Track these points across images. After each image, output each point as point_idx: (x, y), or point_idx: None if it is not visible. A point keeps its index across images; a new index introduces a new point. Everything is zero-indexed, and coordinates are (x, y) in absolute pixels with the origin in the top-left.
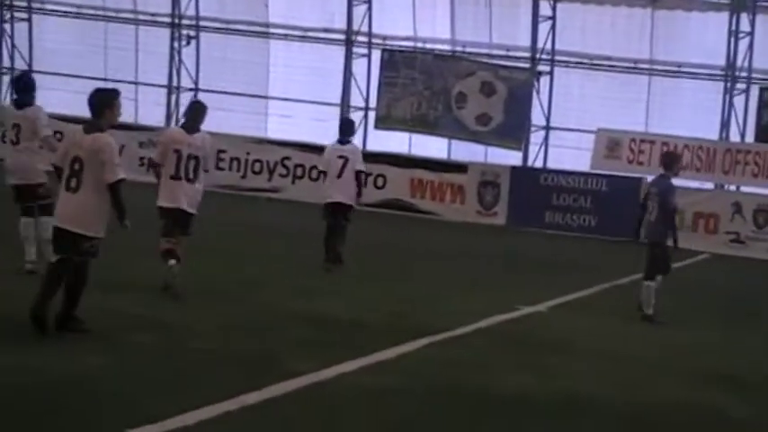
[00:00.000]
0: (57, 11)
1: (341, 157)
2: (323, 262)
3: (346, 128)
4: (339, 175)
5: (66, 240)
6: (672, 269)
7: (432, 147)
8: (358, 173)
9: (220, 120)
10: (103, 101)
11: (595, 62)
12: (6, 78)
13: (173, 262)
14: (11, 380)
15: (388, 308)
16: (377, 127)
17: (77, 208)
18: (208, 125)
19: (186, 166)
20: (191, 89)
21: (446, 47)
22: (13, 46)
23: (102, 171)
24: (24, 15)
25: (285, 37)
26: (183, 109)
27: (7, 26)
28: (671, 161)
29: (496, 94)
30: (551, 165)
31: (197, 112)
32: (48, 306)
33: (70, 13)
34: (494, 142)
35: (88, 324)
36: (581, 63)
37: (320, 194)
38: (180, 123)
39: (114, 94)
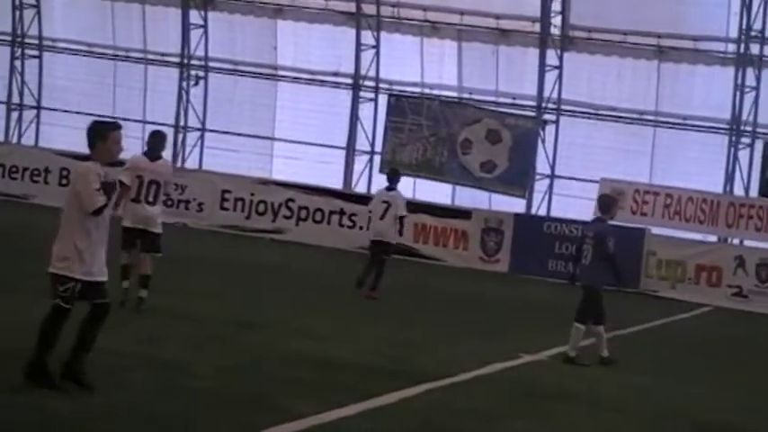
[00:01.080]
0: (67, 49)
1: (385, 202)
2: (355, 288)
3: (393, 176)
4: (382, 218)
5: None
6: (605, 318)
7: (436, 192)
8: (400, 217)
9: (226, 160)
10: (96, 132)
11: (601, 112)
12: (15, 114)
13: (126, 284)
14: (14, 417)
15: (390, 352)
16: (382, 171)
17: (56, 247)
18: (213, 164)
19: (147, 190)
20: (198, 129)
21: (453, 93)
22: (23, 82)
23: (79, 202)
24: (35, 52)
25: (293, 79)
26: (189, 149)
27: (18, 63)
28: (608, 204)
29: (502, 141)
30: (555, 213)
31: (158, 140)
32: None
33: (81, 51)
34: (498, 189)
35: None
36: (587, 113)
37: (324, 236)
38: (143, 151)
39: (111, 126)
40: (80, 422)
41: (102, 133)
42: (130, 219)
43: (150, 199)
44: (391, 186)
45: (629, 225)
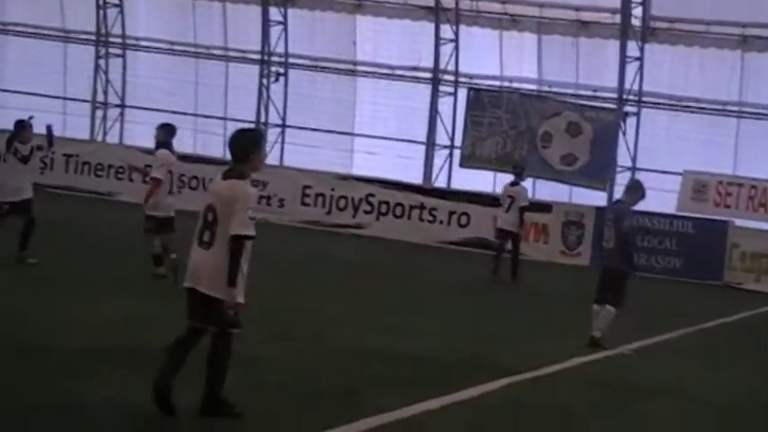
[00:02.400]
0: (150, 47)
1: (510, 196)
2: (491, 274)
3: (518, 172)
4: (507, 210)
5: (201, 306)
6: (625, 301)
7: None
8: (521, 208)
9: (306, 156)
10: (251, 144)
11: (683, 103)
12: (100, 113)
13: (161, 270)
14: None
15: (471, 346)
16: (462, 165)
17: (212, 268)
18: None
19: (172, 181)
20: (278, 125)
21: (532, 86)
22: (108, 81)
23: (230, 224)
24: (119, 51)
25: (372, 75)
26: (270, 145)
27: (102, 62)
28: (631, 188)
29: (582, 134)
30: (636, 206)
31: (172, 133)
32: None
33: (163, 49)
34: (579, 182)
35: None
36: (668, 104)
37: (404, 231)
38: (167, 146)
39: (261, 134)
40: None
41: (258, 144)
42: (165, 209)
43: (173, 189)
44: (515, 181)
45: (712, 217)
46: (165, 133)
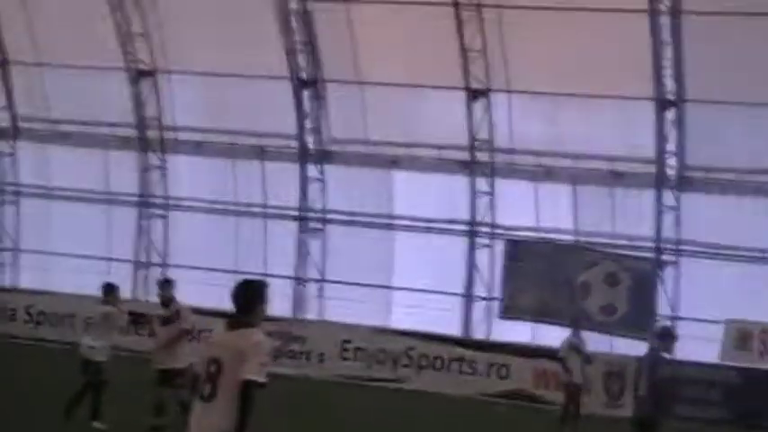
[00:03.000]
0: (192, 207)
1: (575, 348)
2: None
3: (576, 324)
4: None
5: None
6: None
7: (556, 336)
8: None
9: (345, 310)
10: (257, 293)
11: (722, 252)
12: (141, 274)
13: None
14: None
15: None
16: (501, 317)
17: (217, 421)
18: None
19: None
20: (317, 280)
21: (569, 236)
22: (150, 242)
23: (241, 370)
24: (161, 212)
25: (409, 228)
26: (308, 300)
27: (145, 222)
28: (660, 335)
29: (621, 284)
30: (679, 355)
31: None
32: None
33: (203, 208)
34: (619, 333)
35: None
36: (707, 252)
37: (444, 384)
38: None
39: (265, 283)
40: None
41: (263, 294)
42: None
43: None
44: (575, 332)
45: (757, 367)
46: (172, 287)
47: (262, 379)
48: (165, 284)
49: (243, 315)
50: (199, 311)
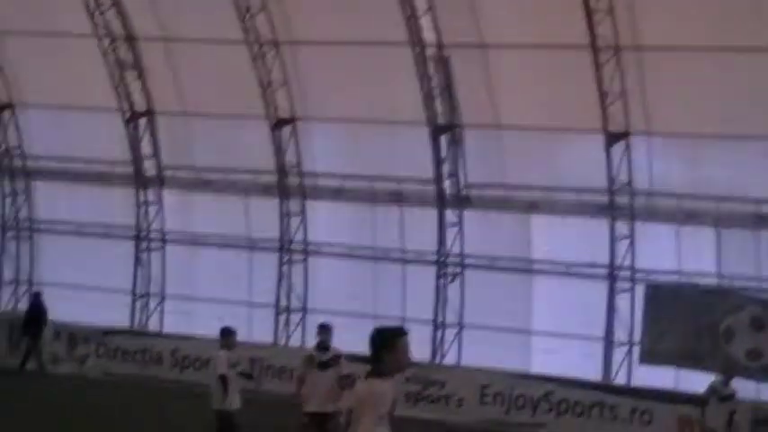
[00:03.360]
0: (331, 252)
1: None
2: None
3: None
4: None
5: None
6: None
7: (700, 382)
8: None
9: (484, 354)
10: (382, 341)
11: None
12: (282, 318)
13: None
14: None
15: None
16: (642, 362)
17: None
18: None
19: None
20: (456, 324)
21: (712, 280)
22: (290, 287)
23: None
24: (301, 257)
25: (548, 272)
26: (447, 344)
27: (285, 268)
28: None
29: (766, 327)
30: None
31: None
32: None
33: (343, 253)
34: (765, 379)
35: None
36: None
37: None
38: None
39: (397, 332)
40: None
41: (389, 342)
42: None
43: None
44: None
45: None
46: (331, 332)
47: None
48: (324, 329)
49: (373, 364)
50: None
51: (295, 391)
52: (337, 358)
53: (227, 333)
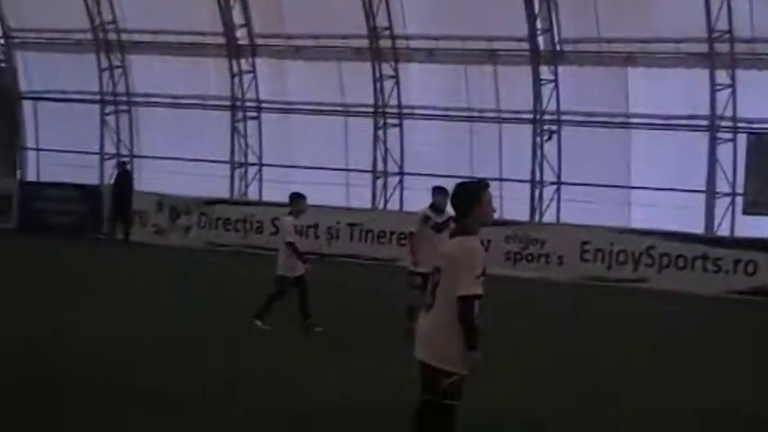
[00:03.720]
0: (425, 114)
1: None
2: None
3: None
4: None
5: (425, 376)
6: None
7: None
8: None
9: (583, 212)
10: (469, 196)
11: None
12: (380, 182)
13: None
14: None
15: None
16: (745, 212)
17: (430, 332)
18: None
19: None
20: (553, 183)
21: None
22: (386, 150)
23: (456, 285)
24: (396, 121)
25: (647, 126)
26: (546, 203)
27: (380, 132)
28: None
29: None
30: None
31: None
32: None
33: (437, 115)
34: None
35: None
36: None
37: (687, 283)
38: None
39: (481, 185)
40: None
41: (478, 195)
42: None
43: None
44: None
45: None
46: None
47: (474, 292)
48: (440, 191)
49: (461, 221)
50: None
51: (409, 248)
52: (449, 221)
53: (295, 198)
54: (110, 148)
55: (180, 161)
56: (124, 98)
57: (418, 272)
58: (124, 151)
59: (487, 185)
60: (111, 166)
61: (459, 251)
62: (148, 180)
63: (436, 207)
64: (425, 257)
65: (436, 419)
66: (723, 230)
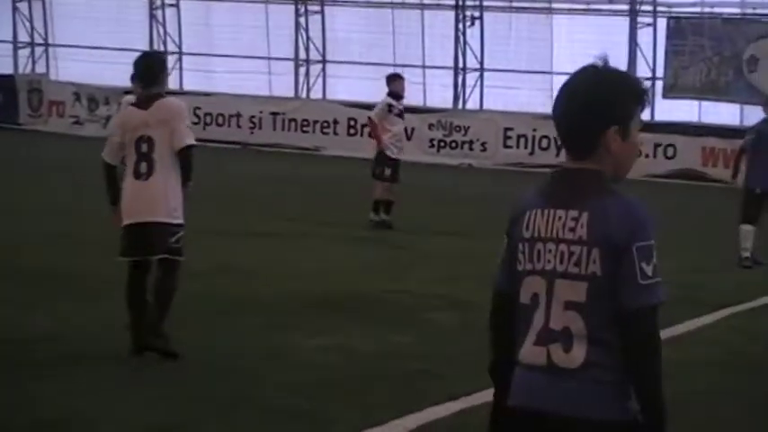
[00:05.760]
0: (347, 1)
1: None
2: None
3: None
4: None
5: (145, 237)
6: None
7: (723, 113)
8: None
9: (507, 98)
10: (160, 65)
11: None
12: (302, 70)
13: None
14: (329, 358)
15: (681, 278)
16: (665, 96)
17: (155, 194)
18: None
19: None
20: (476, 69)
21: (735, 9)
22: (308, 38)
23: (173, 139)
24: (317, 8)
25: (568, 11)
26: (469, 89)
27: (302, 20)
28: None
29: None
30: None
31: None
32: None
33: (359, 2)
34: None
35: None
36: None
37: None
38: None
39: (164, 56)
40: (386, 359)
41: (164, 65)
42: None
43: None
44: None
45: None
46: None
47: (192, 141)
48: (398, 78)
49: (152, 88)
50: (360, 106)
51: (375, 135)
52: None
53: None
54: (23, 37)
55: (97, 50)
56: None
57: (391, 157)
58: (38, 40)
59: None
60: (24, 55)
61: (169, 110)
62: (65, 69)
63: (396, 94)
64: (399, 145)
65: (163, 275)
66: (644, 115)
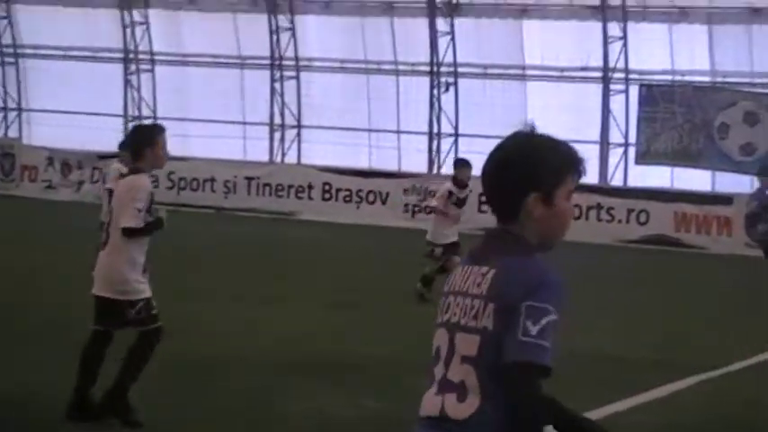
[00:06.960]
0: (322, 66)
1: None
2: None
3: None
4: None
5: (101, 308)
6: None
7: (695, 180)
8: None
9: (481, 163)
10: (143, 139)
11: None
12: (278, 135)
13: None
14: (307, 424)
15: (653, 343)
16: (638, 162)
17: (108, 267)
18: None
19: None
20: (450, 134)
21: (705, 78)
22: (284, 103)
23: (120, 218)
24: (293, 73)
25: (542, 78)
26: (444, 155)
27: (278, 85)
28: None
29: (760, 122)
30: None
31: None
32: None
33: (334, 67)
34: (758, 173)
35: None
36: None
37: (582, 233)
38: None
39: (156, 129)
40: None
41: (150, 139)
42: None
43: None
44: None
45: None
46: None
47: (135, 224)
48: (464, 164)
49: (134, 161)
50: (336, 171)
51: (433, 220)
52: (468, 195)
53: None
54: None
55: (72, 115)
56: (11, 50)
57: (438, 243)
58: (11, 104)
59: (163, 130)
60: None
61: (127, 188)
62: (38, 134)
63: (459, 181)
64: (446, 231)
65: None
66: (617, 180)
